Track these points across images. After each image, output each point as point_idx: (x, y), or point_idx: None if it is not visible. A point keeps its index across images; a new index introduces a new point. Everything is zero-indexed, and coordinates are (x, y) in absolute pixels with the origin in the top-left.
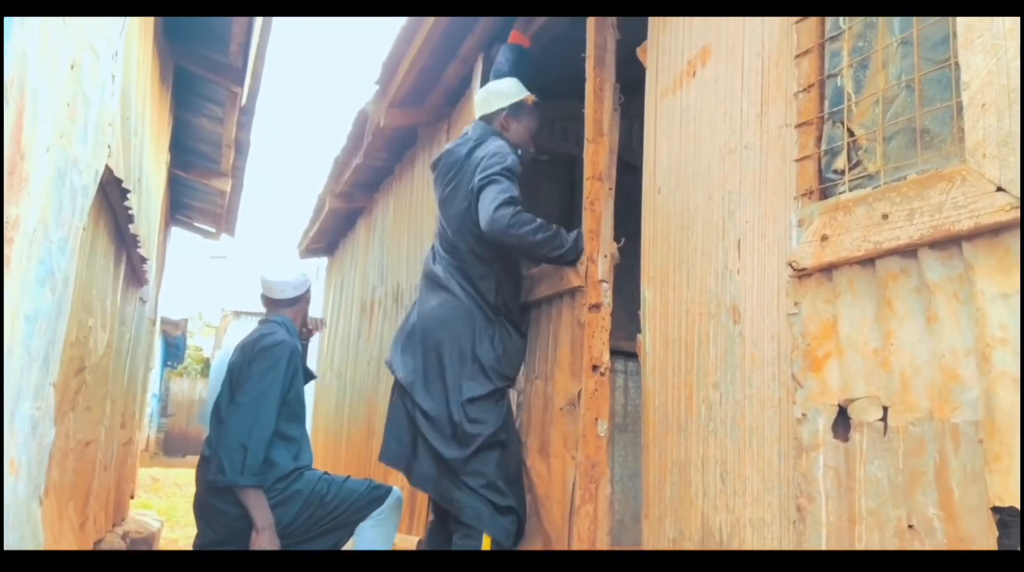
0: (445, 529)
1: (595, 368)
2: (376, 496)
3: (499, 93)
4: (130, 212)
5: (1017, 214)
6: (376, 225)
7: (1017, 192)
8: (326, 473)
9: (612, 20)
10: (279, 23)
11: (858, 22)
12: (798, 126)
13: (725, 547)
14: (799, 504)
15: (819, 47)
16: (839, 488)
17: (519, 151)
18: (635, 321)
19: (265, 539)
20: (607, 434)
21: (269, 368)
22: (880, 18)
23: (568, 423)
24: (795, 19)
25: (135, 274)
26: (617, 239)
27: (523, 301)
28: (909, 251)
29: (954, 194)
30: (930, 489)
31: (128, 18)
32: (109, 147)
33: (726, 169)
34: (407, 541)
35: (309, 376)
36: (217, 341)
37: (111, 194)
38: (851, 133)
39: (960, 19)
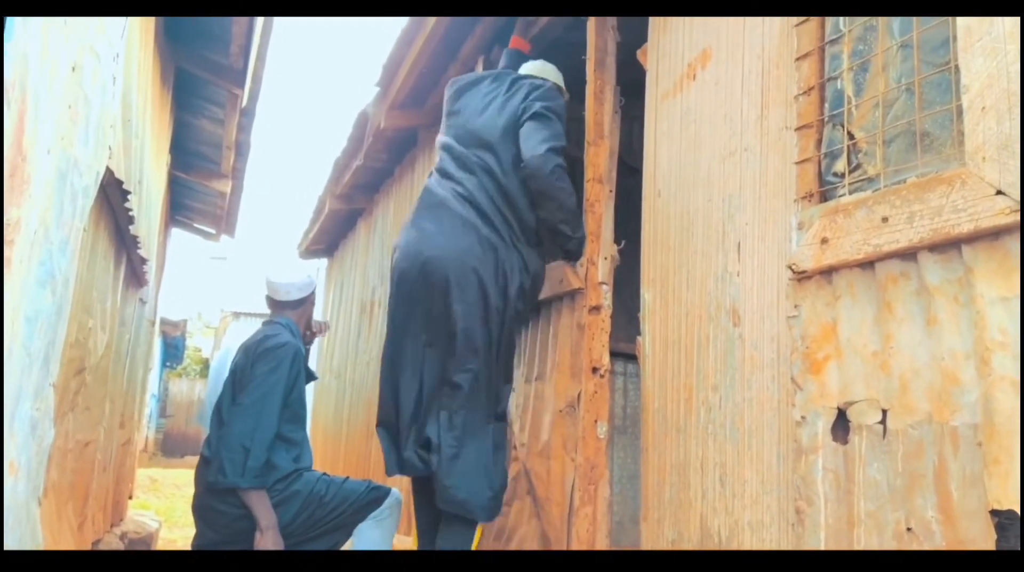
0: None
1: (595, 370)
2: (375, 497)
3: (554, 71)
4: (130, 213)
5: (1017, 218)
6: (376, 226)
7: (1017, 196)
8: (325, 474)
9: (612, 22)
10: (279, 25)
11: (858, 25)
12: (798, 129)
13: (724, 549)
14: (798, 507)
15: (819, 50)
16: (838, 491)
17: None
18: (635, 323)
19: (269, 539)
20: (606, 436)
21: (272, 370)
22: (880, 21)
23: (567, 425)
24: (795, 22)
25: (135, 275)
26: (617, 241)
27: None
28: (909, 254)
29: (954, 197)
30: (929, 492)
31: (129, 20)
32: (110, 149)
33: (726, 171)
34: (406, 542)
35: (310, 377)
36: (216, 342)
37: (112, 195)
38: (851, 136)
39: (960, 22)
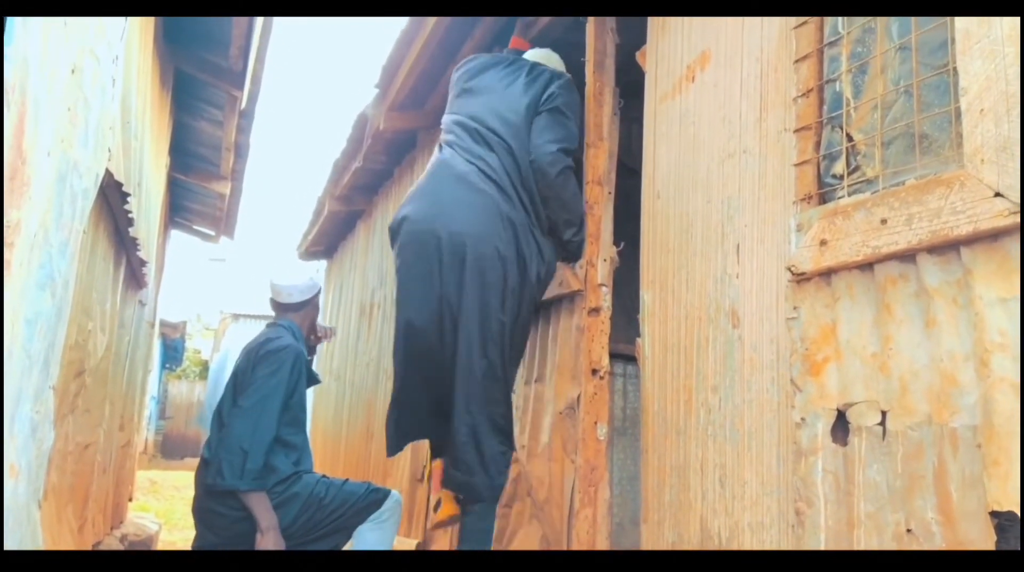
0: None
1: (594, 372)
2: (375, 499)
3: (559, 61)
4: (130, 215)
5: (1016, 219)
6: (376, 228)
7: (1016, 197)
8: (324, 476)
9: (611, 24)
10: (279, 27)
11: (857, 27)
12: (797, 131)
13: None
14: (798, 508)
15: (818, 52)
16: (838, 492)
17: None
18: (634, 325)
19: (270, 539)
20: (606, 438)
21: (273, 372)
22: (879, 24)
23: (567, 427)
24: (794, 24)
25: (134, 277)
26: (616, 243)
27: None
28: (908, 256)
29: (952, 199)
30: (929, 493)
31: (128, 22)
32: (109, 151)
33: (725, 173)
34: (405, 544)
35: (313, 380)
36: (216, 344)
37: (111, 197)
38: (850, 138)
39: (958, 25)
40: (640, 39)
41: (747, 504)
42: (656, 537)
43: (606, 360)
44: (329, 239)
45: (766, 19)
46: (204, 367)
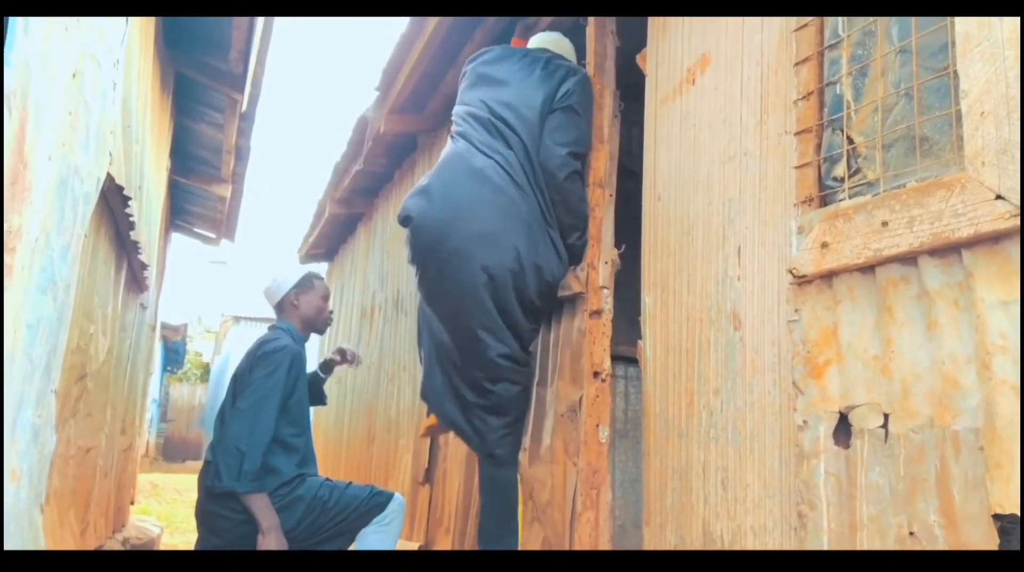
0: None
1: (596, 374)
2: (378, 502)
3: (570, 47)
4: (131, 219)
5: (1016, 222)
6: (376, 231)
7: (1016, 200)
8: (328, 479)
9: (612, 27)
10: (279, 29)
11: (857, 30)
12: (797, 133)
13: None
14: (800, 511)
15: (818, 55)
16: (840, 495)
17: None
18: (636, 327)
19: (272, 540)
20: (608, 440)
21: (269, 373)
22: (879, 26)
23: (569, 429)
24: (794, 27)
25: (135, 280)
26: (617, 245)
27: None
28: (909, 258)
29: (953, 202)
30: (931, 496)
31: (128, 27)
32: (110, 155)
33: (726, 176)
34: (408, 547)
35: (319, 400)
36: (217, 346)
37: (112, 201)
38: (850, 140)
39: (958, 28)
40: (640, 42)
41: (749, 507)
42: (658, 540)
43: (608, 362)
44: (330, 242)
45: (766, 22)
46: (205, 370)
